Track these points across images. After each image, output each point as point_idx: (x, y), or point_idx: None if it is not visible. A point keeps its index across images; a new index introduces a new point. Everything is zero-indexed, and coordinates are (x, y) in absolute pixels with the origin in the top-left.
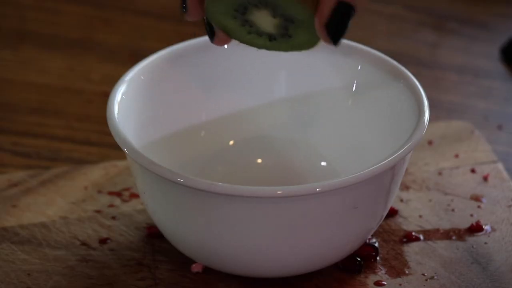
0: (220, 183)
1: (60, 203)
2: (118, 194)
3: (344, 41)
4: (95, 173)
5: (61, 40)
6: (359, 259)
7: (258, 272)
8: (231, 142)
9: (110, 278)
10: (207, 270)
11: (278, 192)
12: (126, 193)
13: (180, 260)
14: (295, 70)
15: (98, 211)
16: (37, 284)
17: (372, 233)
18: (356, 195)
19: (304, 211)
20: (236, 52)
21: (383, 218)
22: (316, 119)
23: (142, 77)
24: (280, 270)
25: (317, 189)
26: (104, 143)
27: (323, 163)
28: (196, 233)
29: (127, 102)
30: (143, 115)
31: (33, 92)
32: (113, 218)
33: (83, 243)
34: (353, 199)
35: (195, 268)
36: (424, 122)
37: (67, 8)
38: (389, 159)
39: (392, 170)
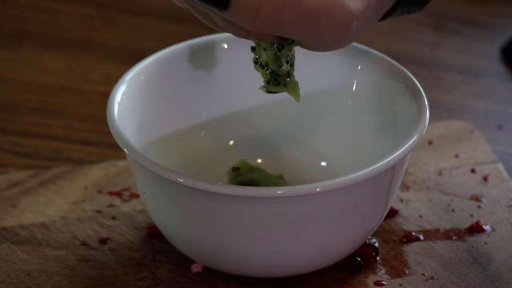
0: (220, 183)
1: (60, 203)
2: (118, 194)
3: None
4: (95, 173)
5: (61, 40)
6: (359, 259)
7: (258, 272)
8: (231, 142)
9: (110, 278)
10: (207, 270)
11: (278, 192)
12: (126, 193)
13: (180, 260)
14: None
15: (98, 211)
16: (37, 284)
17: (372, 233)
18: (356, 195)
19: (304, 211)
20: (235, 52)
21: (383, 218)
22: (316, 119)
23: (142, 77)
24: (280, 270)
25: (317, 189)
26: (104, 143)
27: (323, 163)
28: (196, 233)
29: (127, 102)
30: (143, 115)
31: (33, 92)
32: (113, 218)
33: (83, 243)
34: (353, 199)
35: (195, 268)
36: (424, 122)
37: (67, 8)
38: (389, 159)
39: (392, 170)
